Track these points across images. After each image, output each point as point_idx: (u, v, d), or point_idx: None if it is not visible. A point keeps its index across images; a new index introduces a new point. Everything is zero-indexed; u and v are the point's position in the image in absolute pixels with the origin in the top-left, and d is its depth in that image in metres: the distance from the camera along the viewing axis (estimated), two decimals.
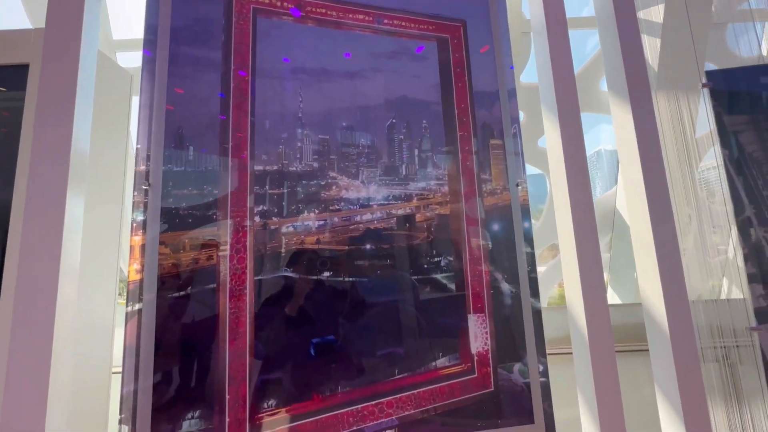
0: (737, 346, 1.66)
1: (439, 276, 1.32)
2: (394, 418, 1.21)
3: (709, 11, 2.52)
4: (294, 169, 1.26)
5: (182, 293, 1.10)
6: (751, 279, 1.48)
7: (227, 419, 1.07)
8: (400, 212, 1.33)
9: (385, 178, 1.34)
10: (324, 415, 1.15)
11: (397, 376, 1.23)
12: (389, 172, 1.35)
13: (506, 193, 1.44)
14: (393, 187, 1.35)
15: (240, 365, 1.10)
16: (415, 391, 1.23)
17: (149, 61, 1.18)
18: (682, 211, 2.18)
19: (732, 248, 1.59)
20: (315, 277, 1.22)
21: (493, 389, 1.30)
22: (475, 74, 1.51)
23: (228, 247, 1.15)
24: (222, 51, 1.25)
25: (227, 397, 1.08)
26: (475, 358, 1.31)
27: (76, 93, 1.08)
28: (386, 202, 1.33)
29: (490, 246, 1.38)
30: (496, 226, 1.41)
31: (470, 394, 1.28)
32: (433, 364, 1.27)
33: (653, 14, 2.64)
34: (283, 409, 1.12)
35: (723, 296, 1.96)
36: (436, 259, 1.33)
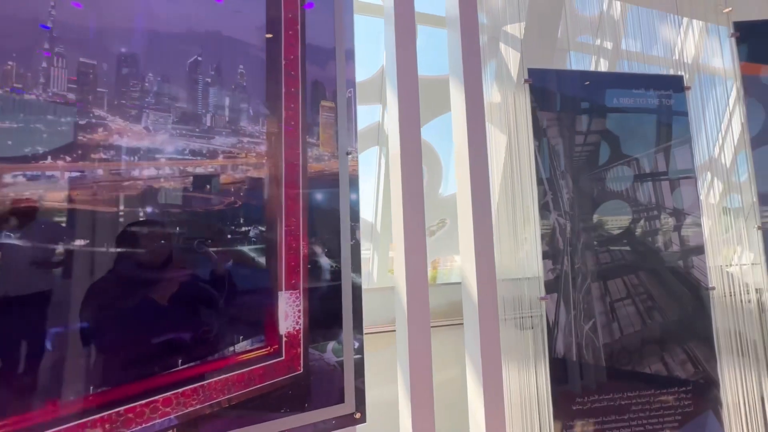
0: (531, 316, 1.92)
1: (245, 248, 1.14)
2: (172, 417, 1.00)
3: (556, 37, 2.84)
4: (34, 97, 0.91)
5: None
6: (545, 255, 1.69)
7: None
8: (200, 170, 1.10)
9: (181, 126, 1.08)
10: (63, 426, 0.88)
11: (180, 367, 1.02)
12: (188, 121, 1.10)
13: (334, 161, 1.33)
14: (192, 139, 1.10)
15: None
16: (203, 383, 1.04)
17: None
18: (520, 200, 2.41)
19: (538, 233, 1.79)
20: (61, 247, 0.91)
21: (301, 371, 1.19)
22: (310, 25, 1.34)
23: None
24: None
25: None
26: (284, 339, 1.18)
27: None
28: (181, 157, 1.07)
29: (311, 217, 1.25)
30: (319, 196, 1.28)
31: (274, 379, 1.15)
32: (231, 349, 1.10)
33: (517, 30, 2.86)
34: None
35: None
36: (243, 229, 1.14)
